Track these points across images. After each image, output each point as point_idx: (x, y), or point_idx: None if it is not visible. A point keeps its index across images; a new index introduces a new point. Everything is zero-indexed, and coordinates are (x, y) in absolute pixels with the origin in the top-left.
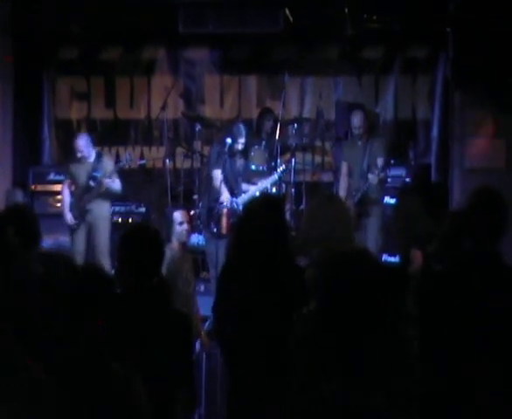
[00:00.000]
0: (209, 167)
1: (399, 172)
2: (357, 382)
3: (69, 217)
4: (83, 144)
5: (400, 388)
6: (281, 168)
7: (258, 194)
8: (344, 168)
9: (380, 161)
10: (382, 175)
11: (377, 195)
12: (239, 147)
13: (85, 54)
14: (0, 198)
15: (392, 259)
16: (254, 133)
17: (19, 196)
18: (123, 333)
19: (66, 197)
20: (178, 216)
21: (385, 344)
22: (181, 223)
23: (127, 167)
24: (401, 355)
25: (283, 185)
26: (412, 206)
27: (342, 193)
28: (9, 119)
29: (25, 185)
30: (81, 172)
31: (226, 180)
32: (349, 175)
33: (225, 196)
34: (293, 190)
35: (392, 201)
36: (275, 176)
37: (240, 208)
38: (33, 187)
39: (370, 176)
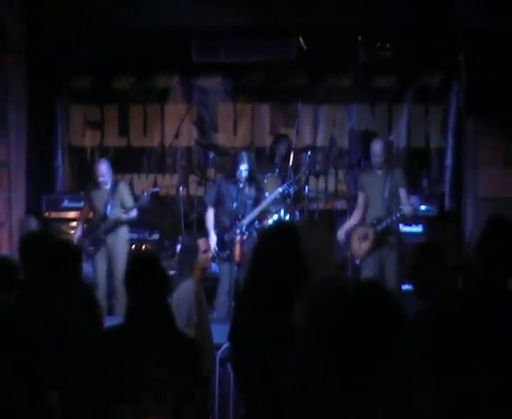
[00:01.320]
0: (205, 200)
1: (413, 200)
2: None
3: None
4: (105, 169)
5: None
6: (287, 185)
7: (259, 213)
8: (361, 198)
9: (402, 192)
10: (416, 206)
11: (396, 226)
12: (243, 174)
13: (98, 82)
14: (14, 226)
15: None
16: (268, 161)
17: (33, 224)
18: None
19: (80, 226)
20: (202, 243)
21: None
22: (205, 251)
23: (143, 204)
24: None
25: (296, 213)
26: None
27: (353, 221)
28: (22, 146)
29: (39, 212)
30: (98, 199)
31: (233, 208)
32: (366, 205)
33: (212, 239)
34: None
35: (408, 229)
36: (279, 191)
37: (244, 229)
38: (47, 214)
39: (406, 208)
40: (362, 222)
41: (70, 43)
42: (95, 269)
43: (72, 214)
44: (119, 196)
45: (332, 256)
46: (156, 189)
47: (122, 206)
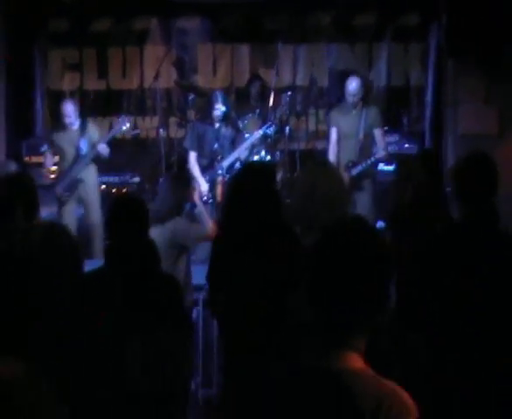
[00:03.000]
0: (185, 144)
1: (393, 139)
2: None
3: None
4: (71, 109)
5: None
6: (267, 126)
7: (241, 156)
8: (334, 134)
9: (377, 133)
10: (390, 149)
11: (372, 170)
12: (218, 113)
13: (76, 25)
14: None
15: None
16: (247, 102)
17: (13, 168)
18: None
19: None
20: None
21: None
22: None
23: (123, 129)
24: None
25: (277, 153)
26: (413, 171)
27: (332, 160)
28: (1, 91)
29: (19, 157)
30: (65, 141)
31: (213, 150)
32: (339, 142)
33: (203, 185)
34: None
35: (389, 168)
36: (259, 133)
37: (224, 172)
38: (27, 158)
39: (380, 153)
40: (337, 160)
41: None
42: (63, 215)
43: (58, 158)
44: (89, 135)
45: (347, 203)
46: (136, 131)
47: (93, 145)
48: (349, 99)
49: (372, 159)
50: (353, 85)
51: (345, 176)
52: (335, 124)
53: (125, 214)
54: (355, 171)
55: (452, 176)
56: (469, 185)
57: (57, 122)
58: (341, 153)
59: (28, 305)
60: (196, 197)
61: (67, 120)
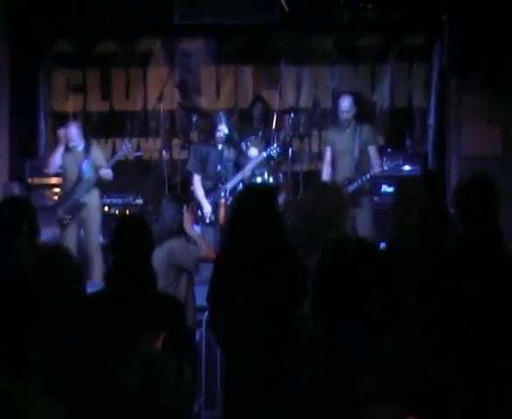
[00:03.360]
0: (188, 167)
1: (396, 160)
2: (341, 367)
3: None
4: (75, 133)
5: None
6: (271, 148)
7: (244, 178)
8: (328, 153)
9: (371, 150)
10: (386, 166)
11: (369, 187)
12: (221, 134)
13: (80, 47)
14: None
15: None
16: (248, 123)
17: (16, 190)
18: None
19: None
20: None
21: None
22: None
23: (126, 154)
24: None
25: (280, 175)
26: (414, 193)
27: (325, 179)
28: (4, 112)
29: (22, 178)
30: (69, 162)
31: (216, 171)
32: (333, 161)
33: (206, 208)
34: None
35: (390, 189)
36: (263, 155)
37: (227, 194)
38: (30, 180)
39: (376, 168)
40: (332, 179)
41: (52, 8)
42: (65, 237)
43: (54, 180)
44: (92, 158)
45: (345, 217)
46: (139, 153)
47: (96, 169)
48: (342, 116)
49: (368, 175)
50: (345, 103)
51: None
52: (329, 143)
53: (129, 232)
54: (351, 188)
55: (454, 197)
56: (471, 205)
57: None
58: (337, 170)
59: (31, 319)
60: (188, 222)
61: (71, 144)
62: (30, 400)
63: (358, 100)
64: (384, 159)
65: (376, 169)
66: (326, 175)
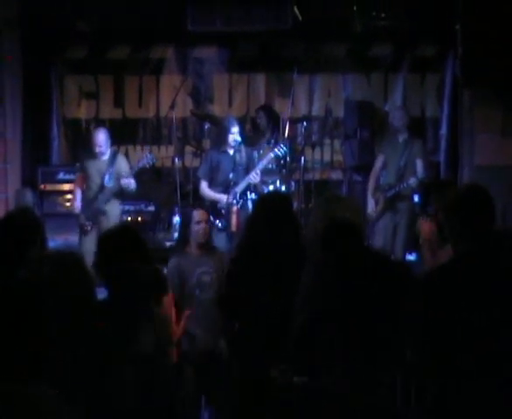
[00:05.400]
0: (198, 174)
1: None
2: (359, 373)
3: (77, 209)
4: (103, 139)
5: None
6: (278, 148)
7: (253, 180)
8: (379, 161)
9: (419, 163)
10: (423, 178)
11: (409, 194)
12: (234, 137)
13: (93, 53)
14: (10, 198)
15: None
16: (260, 132)
17: (29, 196)
18: None
19: (78, 194)
20: (196, 215)
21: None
22: (198, 222)
23: (148, 167)
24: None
25: (292, 183)
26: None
27: (371, 186)
28: (18, 118)
29: (34, 185)
30: (94, 170)
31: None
32: (383, 168)
33: (223, 197)
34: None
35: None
36: (270, 155)
37: (238, 198)
38: (42, 186)
39: (412, 180)
40: (377, 185)
41: (65, 13)
42: (84, 244)
43: (67, 186)
44: (117, 167)
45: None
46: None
47: (118, 177)
48: (397, 124)
49: (404, 184)
50: (400, 111)
51: (380, 198)
52: (382, 152)
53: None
54: (389, 193)
55: (450, 209)
56: (469, 217)
57: (72, 150)
58: (383, 177)
59: (44, 328)
60: None
61: (98, 150)
62: (47, 404)
63: (371, 110)
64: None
65: (412, 180)
66: (372, 182)
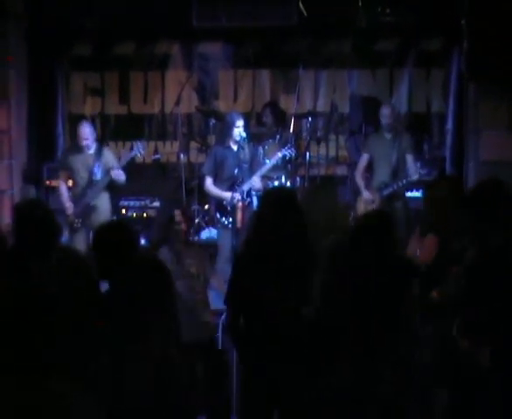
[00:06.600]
0: (203, 170)
1: (430, 167)
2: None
3: (70, 210)
4: (89, 132)
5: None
6: (286, 149)
7: (259, 179)
8: (364, 160)
9: (409, 158)
10: (422, 172)
11: (403, 192)
12: (239, 131)
13: (99, 49)
14: (16, 193)
15: None
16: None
17: (32, 193)
18: None
19: (65, 193)
20: (176, 215)
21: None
22: (179, 223)
23: (139, 156)
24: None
25: (297, 179)
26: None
27: (361, 182)
28: (23, 114)
29: (40, 181)
30: (79, 164)
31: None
32: (368, 167)
33: (228, 194)
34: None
35: (416, 194)
36: (278, 156)
37: (245, 196)
38: (48, 182)
39: (412, 174)
40: (368, 185)
41: (71, 10)
42: (74, 241)
43: (72, 183)
44: (104, 160)
45: (340, 217)
46: (157, 156)
47: (107, 171)
48: (384, 121)
49: (404, 181)
50: (387, 109)
51: (376, 197)
52: (366, 150)
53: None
54: (386, 192)
55: (469, 202)
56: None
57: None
58: (374, 175)
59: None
60: None
61: (84, 143)
62: (74, 399)
63: (376, 105)
64: (419, 165)
65: (413, 176)
66: (359, 179)
